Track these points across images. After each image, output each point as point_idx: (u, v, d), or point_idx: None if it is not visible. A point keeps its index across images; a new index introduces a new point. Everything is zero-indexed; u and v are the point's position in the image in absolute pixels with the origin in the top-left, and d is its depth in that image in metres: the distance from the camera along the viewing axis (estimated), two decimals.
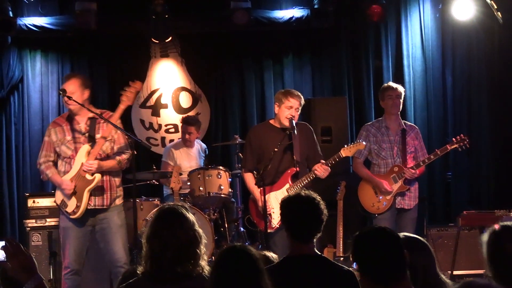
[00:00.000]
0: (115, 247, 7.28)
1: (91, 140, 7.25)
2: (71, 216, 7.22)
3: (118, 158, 7.35)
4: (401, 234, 4.12)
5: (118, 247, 7.28)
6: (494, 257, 3.79)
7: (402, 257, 3.61)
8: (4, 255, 3.46)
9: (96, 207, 7.27)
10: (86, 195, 7.16)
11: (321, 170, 7.42)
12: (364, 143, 7.87)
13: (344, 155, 7.59)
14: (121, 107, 7.26)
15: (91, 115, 7.33)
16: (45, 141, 7.43)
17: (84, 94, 7.30)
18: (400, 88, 8.50)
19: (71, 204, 7.20)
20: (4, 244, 3.46)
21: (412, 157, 8.36)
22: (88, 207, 7.21)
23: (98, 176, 7.18)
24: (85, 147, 7.20)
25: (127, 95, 7.26)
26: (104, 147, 7.26)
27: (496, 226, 3.92)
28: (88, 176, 7.16)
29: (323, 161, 7.50)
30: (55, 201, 7.47)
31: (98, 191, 7.25)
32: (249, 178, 7.70)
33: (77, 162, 7.21)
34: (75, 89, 7.26)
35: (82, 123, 7.34)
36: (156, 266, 4.00)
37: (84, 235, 7.32)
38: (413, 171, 8.17)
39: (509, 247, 3.80)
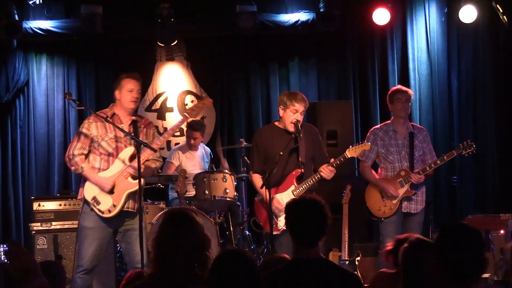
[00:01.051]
0: (137, 248, 7.07)
1: (136, 144, 6.98)
2: (104, 215, 7.06)
3: (153, 166, 7.34)
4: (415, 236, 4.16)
5: (140, 248, 7.09)
6: None
7: (483, 256, 3.64)
8: (6, 257, 3.46)
9: (126, 210, 7.14)
10: (125, 196, 7.05)
11: (327, 171, 7.38)
12: (369, 143, 7.84)
13: (349, 156, 7.54)
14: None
15: (134, 117, 7.27)
16: (82, 132, 7.19)
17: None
18: (410, 91, 8.48)
19: (106, 203, 7.06)
20: (6, 246, 3.45)
21: (420, 160, 8.34)
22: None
23: (142, 181, 7.07)
24: (130, 149, 7.11)
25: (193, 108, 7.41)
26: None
27: None
28: (130, 180, 7.07)
29: (330, 163, 7.46)
30: (83, 196, 7.18)
31: (132, 194, 7.13)
32: (258, 180, 7.65)
33: (119, 163, 7.11)
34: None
35: (125, 124, 7.22)
36: (168, 268, 4.00)
37: (105, 237, 7.20)
38: (420, 176, 8.14)
39: None
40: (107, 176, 7.10)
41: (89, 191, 7.14)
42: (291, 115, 7.44)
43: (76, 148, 7.17)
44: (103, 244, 7.22)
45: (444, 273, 3.68)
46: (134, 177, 7.07)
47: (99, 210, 7.08)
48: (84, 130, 7.19)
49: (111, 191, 7.06)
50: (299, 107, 7.44)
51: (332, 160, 7.43)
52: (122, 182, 7.10)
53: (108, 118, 7.17)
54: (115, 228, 7.26)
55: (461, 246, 3.63)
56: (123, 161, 7.12)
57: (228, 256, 3.76)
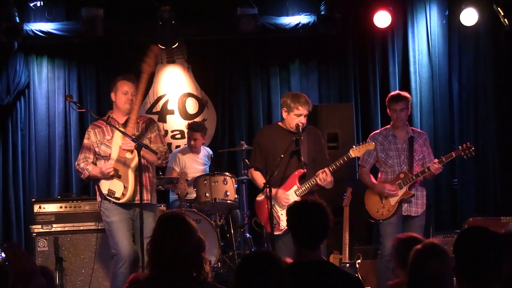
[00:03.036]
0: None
1: (137, 146, 7.14)
2: (121, 201, 7.27)
3: (155, 147, 7.40)
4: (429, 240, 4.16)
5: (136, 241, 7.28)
6: None
7: (501, 260, 3.65)
8: (5, 257, 3.47)
9: (137, 202, 7.22)
10: (131, 175, 7.23)
11: (323, 177, 7.36)
12: (373, 142, 7.82)
13: (353, 156, 7.54)
14: (145, 76, 7.38)
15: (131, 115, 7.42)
16: (84, 143, 7.54)
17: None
18: (404, 101, 8.33)
19: (119, 189, 7.27)
20: (5, 247, 3.47)
21: (420, 164, 8.33)
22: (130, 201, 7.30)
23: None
24: (118, 134, 7.29)
25: (148, 62, 7.41)
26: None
27: None
28: (128, 155, 7.23)
29: (327, 168, 7.43)
30: (102, 193, 7.42)
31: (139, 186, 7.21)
32: (259, 177, 7.65)
33: (115, 147, 7.31)
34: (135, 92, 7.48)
35: (121, 122, 7.44)
36: (163, 272, 4.00)
37: (131, 227, 7.40)
38: (438, 166, 8.09)
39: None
40: (107, 162, 7.32)
41: (103, 186, 7.39)
42: (295, 118, 7.42)
43: (80, 159, 7.52)
44: (132, 235, 7.39)
45: (461, 275, 3.69)
46: (131, 152, 7.22)
47: (116, 198, 7.29)
48: (85, 141, 7.55)
49: (118, 176, 7.26)
50: (303, 110, 7.42)
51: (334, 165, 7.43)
52: (123, 164, 7.27)
53: (105, 122, 7.46)
54: (132, 218, 7.41)
55: (479, 249, 3.64)
56: (117, 144, 7.30)
57: (255, 257, 3.77)
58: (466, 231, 3.87)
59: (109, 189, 7.32)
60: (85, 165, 7.43)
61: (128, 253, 7.26)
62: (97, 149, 7.43)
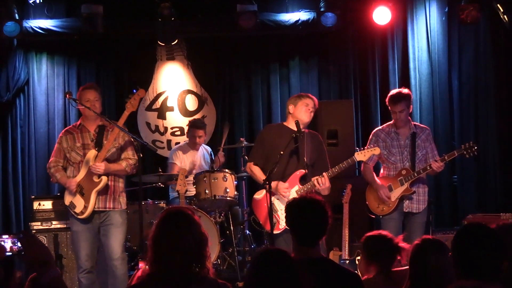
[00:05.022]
0: (113, 242, 7.54)
1: (98, 145, 7.51)
2: (79, 217, 7.48)
3: (125, 163, 7.62)
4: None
5: (116, 242, 7.54)
6: None
7: (500, 255, 3.68)
8: (21, 247, 3.50)
9: (100, 209, 7.52)
10: (93, 196, 7.43)
11: (321, 181, 7.37)
12: (378, 148, 7.83)
13: (358, 159, 7.59)
14: (126, 113, 7.58)
15: (100, 123, 7.63)
16: (56, 148, 7.73)
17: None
18: (403, 102, 8.23)
19: (79, 205, 7.47)
20: (20, 236, 3.50)
21: (424, 160, 8.30)
22: (94, 209, 7.48)
23: (104, 178, 7.44)
24: (92, 152, 7.48)
25: (132, 103, 7.60)
26: (109, 154, 7.51)
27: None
28: (95, 178, 7.43)
29: (325, 173, 7.44)
30: (64, 203, 7.69)
31: (103, 194, 7.52)
32: (259, 171, 7.66)
33: (85, 166, 7.48)
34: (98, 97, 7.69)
35: (92, 130, 7.61)
36: (165, 268, 3.99)
37: (93, 236, 7.58)
38: (439, 164, 8.06)
39: None
40: (73, 179, 7.54)
41: (67, 197, 7.64)
42: (303, 108, 7.49)
43: (52, 162, 7.74)
44: (94, 242, 7.63)
45: (460, 271, 3.71)
46: (98, 176, 7.45)
47: (75, 213, 7.52)
48: (57, 145, 7.75)
49: (81, 193, 7.48)
50: (309, 101, 7.56)
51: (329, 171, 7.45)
52: (89, 183, 7.49)
53: (76, 129, 7.69)
54: (98, 225, 7.61)
55: (477, 245, 3.67)
56: (88, 163, 7.48)
57: (268, 255, 3.78)
58: (464, 228, 3.90)
59: (71, 202, 7.55)
60: (55, 171, 7.65)
61: (86, 262, 7.54)
62: (67, 155, 7.63)
